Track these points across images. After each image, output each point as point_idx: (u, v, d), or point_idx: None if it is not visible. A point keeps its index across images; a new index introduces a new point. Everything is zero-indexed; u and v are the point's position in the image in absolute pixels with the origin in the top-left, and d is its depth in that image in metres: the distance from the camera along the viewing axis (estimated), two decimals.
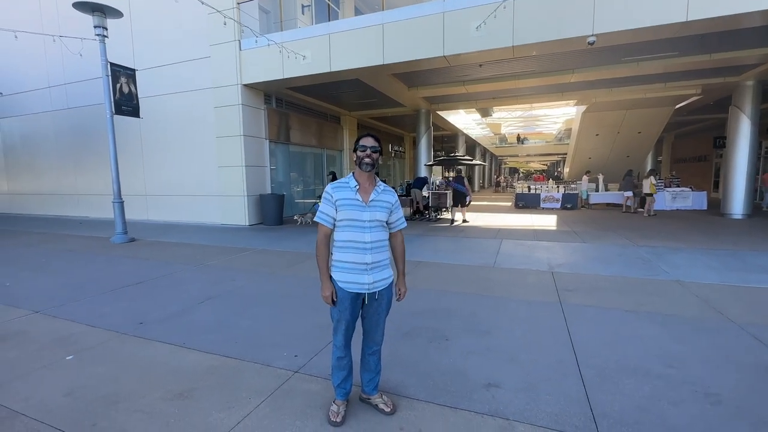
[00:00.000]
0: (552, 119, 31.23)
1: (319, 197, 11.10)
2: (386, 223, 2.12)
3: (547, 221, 11.06)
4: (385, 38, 8.48)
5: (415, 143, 17.24)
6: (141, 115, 9.53)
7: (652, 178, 12.35)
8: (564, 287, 4.63)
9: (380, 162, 2.12)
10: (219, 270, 5.74)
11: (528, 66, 9.94)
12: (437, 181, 13.23)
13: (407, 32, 8.36)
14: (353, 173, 2.10)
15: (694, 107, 15.26)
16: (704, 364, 2.76)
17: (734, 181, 11.18)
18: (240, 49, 10.03)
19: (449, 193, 12.24)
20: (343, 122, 15.72)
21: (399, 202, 2.19)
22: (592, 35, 6.98)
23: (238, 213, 10.64)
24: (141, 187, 12.10)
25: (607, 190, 15.50)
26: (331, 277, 2.09)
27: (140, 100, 9.64)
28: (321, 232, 2.07)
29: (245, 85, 10.22)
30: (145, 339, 3.32)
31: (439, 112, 16.38)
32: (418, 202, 11.98)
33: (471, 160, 14.48)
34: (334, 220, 2.04)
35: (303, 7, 12.83)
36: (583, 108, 16.49)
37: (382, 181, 2.20)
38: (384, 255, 2.11)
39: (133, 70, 8.83)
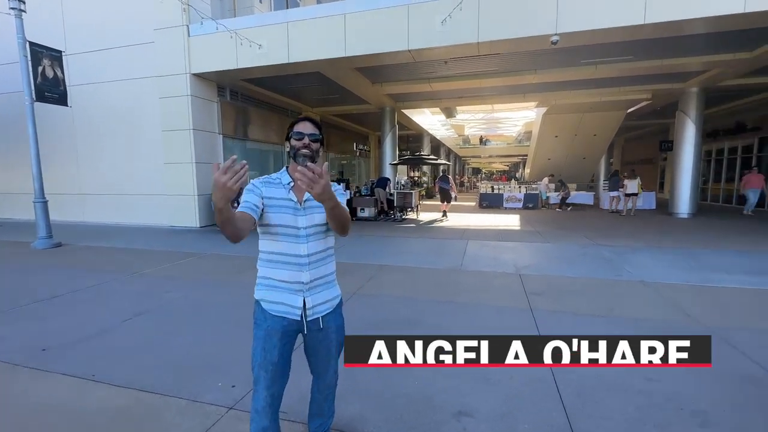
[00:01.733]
0: (512, 122, 32.18)
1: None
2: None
3: (511, 221, 11.10)
4: (348, 29, 8.04)
5: (380, 142, 16.91)
6: (71, 104, 8.49)
7: (639, 179, 12.75)
8: (532, 291, 4.44)
9: (320, 153, 1.58)
10: (157, 279, 5.06)
11: (492, 65, 9.88)
12: (402, 181, 12.97)
13: (371, 24, 7.97)
14: (287, 168, 1.61)
15: (643, 112, 16.07)
16: (683, 375, 2.58)
17: (681, 182, 11.79)
18: (188, 35, 9.19)
19: (414, 193, 12.02)
20: None
21: (340, 191, 1.56)
22: (556, 34, 6.94)
23: (187, 214, 9.76)
24: (75, 185, 10.84)
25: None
26: (258, 304, 1.57)
27: (75, 88, 8.60)
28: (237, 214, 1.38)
29: (195, 75, 9.38)
30: (45, 371, 2.69)
31: (404, 111, 16.12)
32: (382, 202, 11.64)
33: (436, 160, 14.37)
34: (259, 209, 1.47)
35: None
36: (543, 110, 16.90)
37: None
38: (328, 269, 1.62)
39: (59, 52, 7.79)
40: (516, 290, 4.49)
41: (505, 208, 15.03)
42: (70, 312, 3.87)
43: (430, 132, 23.86)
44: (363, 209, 11.29)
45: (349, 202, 11.30)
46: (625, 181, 12.95)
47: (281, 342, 1.54)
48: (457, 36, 7.45)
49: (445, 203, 11.97)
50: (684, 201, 11.72)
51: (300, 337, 1.62)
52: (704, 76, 10.55)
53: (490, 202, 15.47)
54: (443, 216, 11.72)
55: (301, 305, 1.53)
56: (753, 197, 10.99)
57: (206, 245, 7.40)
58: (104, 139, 10.37)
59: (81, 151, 10.67)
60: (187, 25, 9.15)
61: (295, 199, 1.53)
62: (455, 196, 12.42)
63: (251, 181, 1.52)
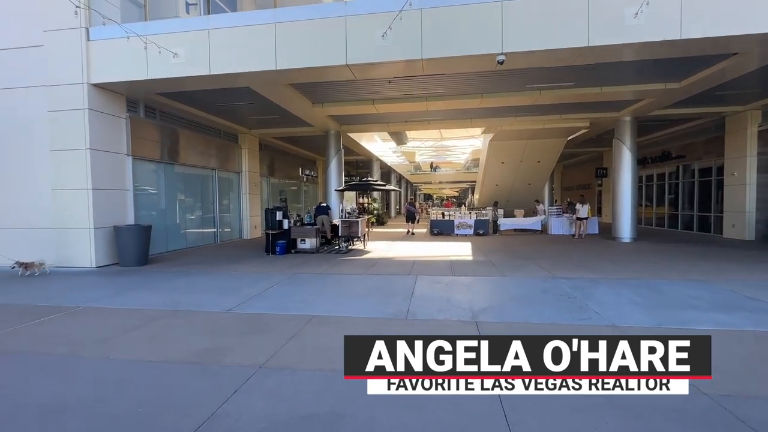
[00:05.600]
0: (461, 149, 33.11)
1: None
2: None
3: (463, 250, 10.47)
4: (278, 40, 7.14)
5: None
6: None
7: (588, 204, 13.29)
8: None
9: None
10: None
11: (438, 87, 9.46)
12: (348, 208, 12.00)
13: (305, 35, 7.17)
14: None
15: (580, 140, 16.77)
16: None
17: (622, 207, 12.00)
18: (88, 39, 7.78)
19: (361, 221, 11.09)
20: (241, 141, 13.74)
21: None
22: (502, 54, 6.57)
23: (80, 251, 7.94)
24: None
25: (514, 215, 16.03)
26: None
27: None
28: None
29: (95, 86, 7.90)
30: None
31: (351, 136, 15.44)
32: (325, 232, 10.55)
33: (384, 186, 13.66)
34: None
35: (188, 5, 10.94)
36: (490, 136, 17.08)
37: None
38: None
39: None
40: None
41: (456, 234, 14.56)
42: None
43: (381, 158, 23.45)
44: (303, 240, 10.09)
45: (287, 233, 10.04)
46: (577, 206, 13.16)
47: None
48: (400, 52, 6.85)
49: (411, 224, 15.59)
50: (626, 226, 11.90)
51: None
52: (636, 105, 10.96)
53: (441, 229, 14.95)
54: (409, 233, 14.90)
55: None
56: None
57: (96, 293, 5.78)
58: None
59: None
60: (87, 28, 7.75)
61: None
62: (419, 219, 17.66)
63: None
